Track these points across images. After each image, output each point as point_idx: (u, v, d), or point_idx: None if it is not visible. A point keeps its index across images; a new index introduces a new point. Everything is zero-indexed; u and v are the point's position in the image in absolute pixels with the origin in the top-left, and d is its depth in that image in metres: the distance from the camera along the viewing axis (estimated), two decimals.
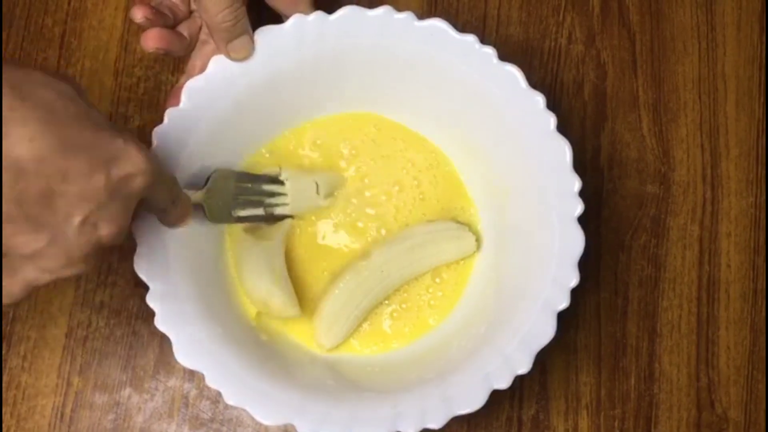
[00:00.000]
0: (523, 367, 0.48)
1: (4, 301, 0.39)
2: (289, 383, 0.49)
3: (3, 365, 0.57)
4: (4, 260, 0.38)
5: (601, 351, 0.59)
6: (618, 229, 0.61)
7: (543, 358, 0.58)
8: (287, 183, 0.56)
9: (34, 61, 0.62)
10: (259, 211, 0.55)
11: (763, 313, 0.60)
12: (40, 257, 0.38)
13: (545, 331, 0.49)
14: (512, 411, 0.57)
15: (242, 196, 0.55)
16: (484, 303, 0.54)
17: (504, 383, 0.48)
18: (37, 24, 0.62)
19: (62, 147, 0.36)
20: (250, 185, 0.55)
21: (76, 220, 0.38)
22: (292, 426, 0.47)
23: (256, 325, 0.54)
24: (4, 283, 0.39)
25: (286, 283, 0.54)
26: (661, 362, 0.59)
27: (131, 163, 0.39)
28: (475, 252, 0.56)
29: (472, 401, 0.48)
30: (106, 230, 0.39)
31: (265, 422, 0.47)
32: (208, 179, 0.52)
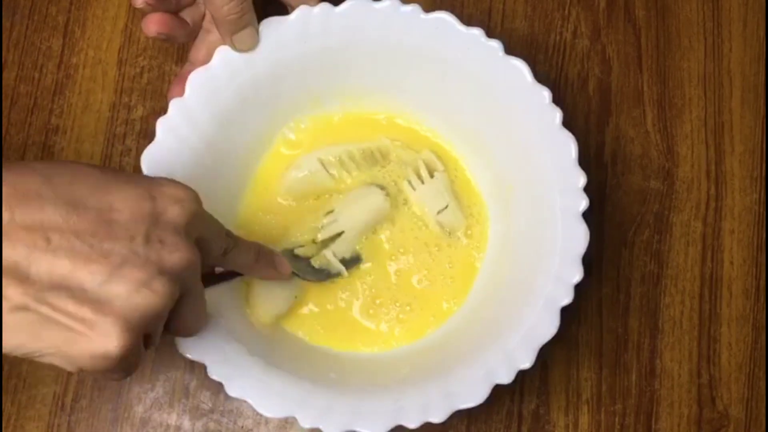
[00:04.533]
0: (526, 362, 0.48)
1: (108, 345, 0.36)
2: (291, 376, 0.49)
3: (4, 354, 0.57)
4: (92, 305, 0.36)
5: (603, 346, 0.59)
6: (621, 224, 0.61)
7: (544, 353, 0.57)
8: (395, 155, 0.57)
9: (38, 49, 0.62)
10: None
11: (765, 310, 0.59)
12: (117, 281, 0.37)
13: (548, 327, 0.49)
14: (513, 405, 0.57)
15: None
16: (487, 299, 0.54)
17: (506, 378, 0.48)
18: (41, 12, 0.62)
19: (101, 185, 0.38)
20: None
21: (138, 239, 0.38)
22: (293, 418, 0.47)
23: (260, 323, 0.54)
24: (102, 330, 0.36)
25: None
26: (663, 358, 0.59)
27: (173, 191, 0.40)
28: (388, 208, 0.56)
29: (473, 396, 0.47)
30: (170, 249, 0.39)
31: (267, 415, 0.47)
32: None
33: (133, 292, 0.37)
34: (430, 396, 0.48)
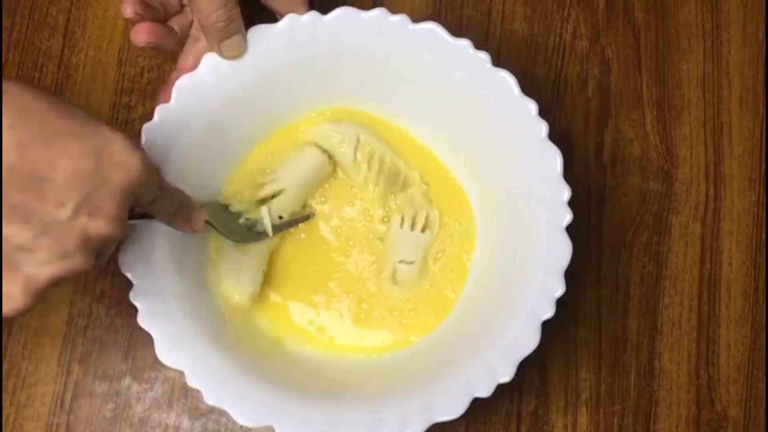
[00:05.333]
0: (506, 376, 0.48)
1: (8, 307, 0.37)
2: (270, 384, 0.49)
3: (3, 353, 0.57)
4: (4, 265, 0.36)
5: (602, 347, 0.59)
6: (620, 225, 0.61)
7: (543, 354, 0.58)
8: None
9: (38, 49, 0.62)
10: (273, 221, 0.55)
11: (764, 312, 0.60)
12: (33, 249, 0.36)
13: (529, 341, 0.48)
14: (512, 405, 0.57)
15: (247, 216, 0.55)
16: (470, 312, 0.54)
17: (485, 392, 0.48)
18: (41, 12, 0.62)
19: (46, 134, 0.36)
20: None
21: (68, 207, 0.37)
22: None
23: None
24: (4, 287, 0.37)
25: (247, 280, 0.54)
26: (662, 359, 0.59)
27: (121, 152, 0.38)
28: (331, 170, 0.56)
29: (452, 409, 0.47)
30: (100, 221, 0.38)
31: (245, 423, 0.47)
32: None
33: (43, 263, 0.37)
34: (409, 408, 0.48)
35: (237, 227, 0.54)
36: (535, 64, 0.63)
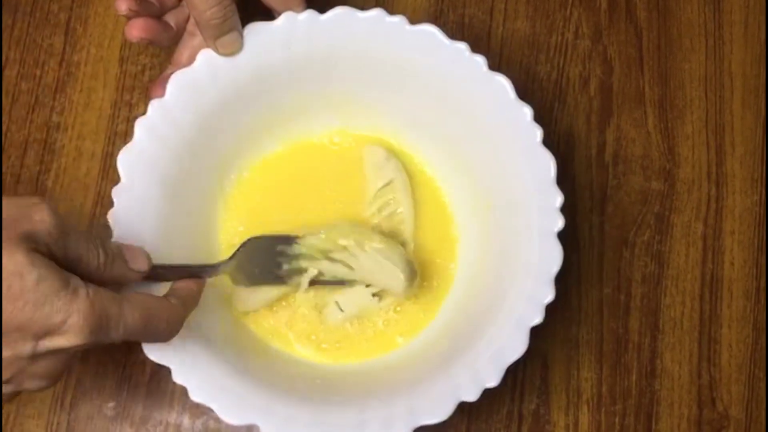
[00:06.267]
0: (493, 381, 0.47)
1: None
2: (257, 383, 0.49)
3: None
4: None
5: (603, 347, 0.59)
6: (622, 225, 0.61)
7: (544, 353, 0.58)
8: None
9: (40, 47, 0.62)
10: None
11: (766, 311, 0.59)
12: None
13: (517, 347, 0.48)
14: (513, 405, 0.57)
15: (280, 258, 0.53)
16: (459, 317, 0.54)
17: (472, 396, 0.47)
18: (42, 10, 0.62)
19: None
20: (287, 247, 0.53)
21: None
22: None
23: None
24: None
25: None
26: (663, 359, 0.59)
27: (67, 335, 0.39)
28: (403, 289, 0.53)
29: (438, 412, 0.47)
30: (32, 385, 0.40)
31: (230, 422, 0.47)
32: (239, 248, 0.52)
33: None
34: (394, 410, 0.47)
35: (261, 271, 0.53)
36: (537, 63, 0.63)
